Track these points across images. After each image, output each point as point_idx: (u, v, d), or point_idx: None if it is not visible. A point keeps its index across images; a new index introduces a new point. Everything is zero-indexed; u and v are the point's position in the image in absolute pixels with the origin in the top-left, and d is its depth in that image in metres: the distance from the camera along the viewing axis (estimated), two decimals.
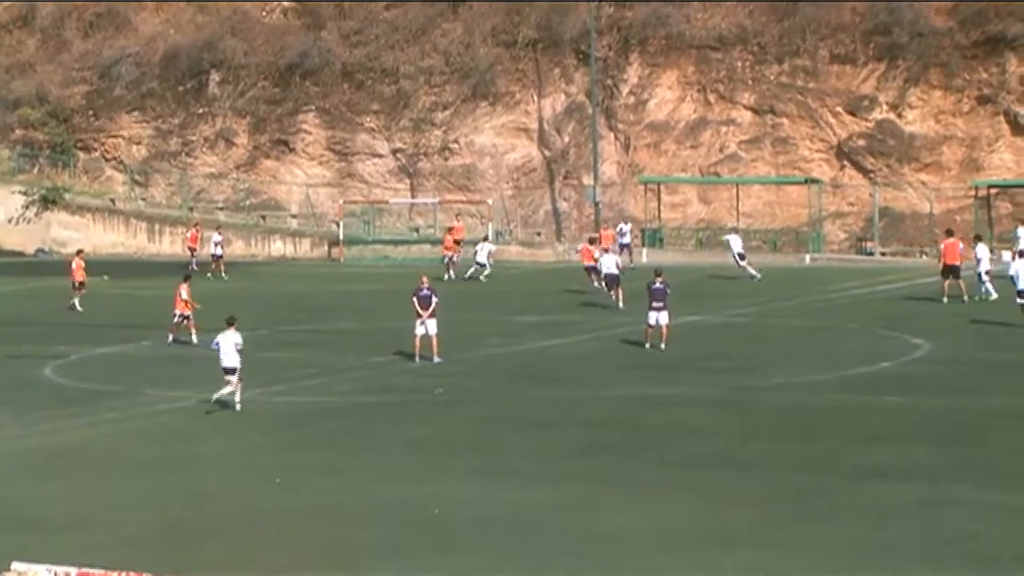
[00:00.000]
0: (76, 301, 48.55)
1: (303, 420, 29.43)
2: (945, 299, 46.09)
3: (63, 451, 26.85)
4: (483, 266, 58.13)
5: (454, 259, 59.17)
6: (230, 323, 31.00)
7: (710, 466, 24.39)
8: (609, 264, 47.46)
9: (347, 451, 26.25)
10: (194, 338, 39.30)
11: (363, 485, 23.40)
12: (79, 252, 52.20)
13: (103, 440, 27.90)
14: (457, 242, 60.52)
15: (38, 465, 25.57)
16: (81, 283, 49.47)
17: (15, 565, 11.72)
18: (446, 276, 56.60)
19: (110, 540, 20.08)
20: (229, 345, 30.50)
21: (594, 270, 49.89)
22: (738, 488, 22.72)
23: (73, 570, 11.60)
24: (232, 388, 30.37)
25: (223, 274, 59.53)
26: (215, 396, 30.18)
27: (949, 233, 49.70)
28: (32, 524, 21.08)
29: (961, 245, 47.95)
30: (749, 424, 27.96)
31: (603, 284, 47.84)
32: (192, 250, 61.55)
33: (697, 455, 25.27)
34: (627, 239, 62.42)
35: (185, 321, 40.15)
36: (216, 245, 61.50)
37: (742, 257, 55.86)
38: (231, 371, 30.40)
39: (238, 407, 30.23)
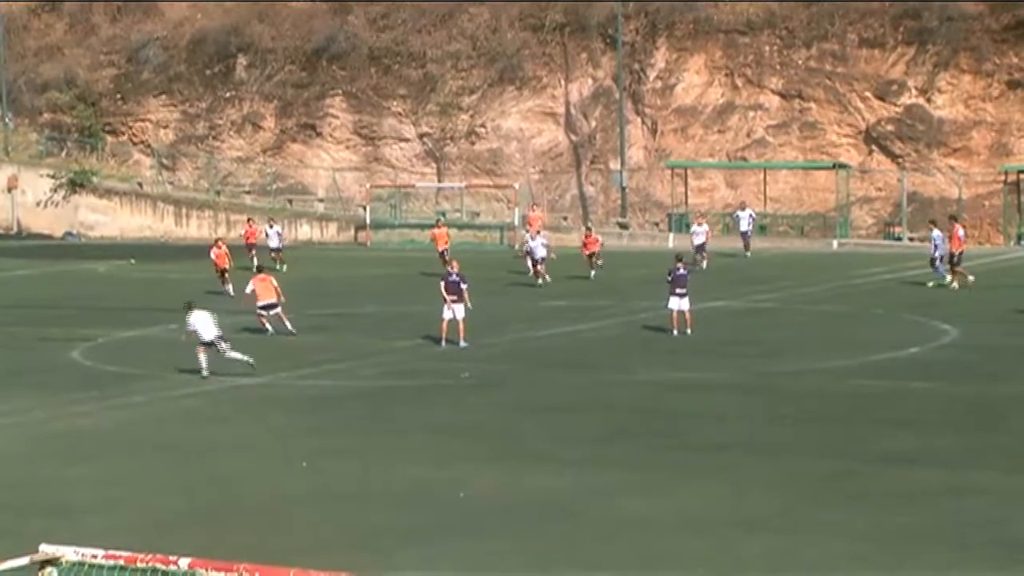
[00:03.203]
0: (229, 288, 47.61)
1: (328, 404, 29.47)
2: (955, 284, 46.26)
3: (90, 434, 26.96)
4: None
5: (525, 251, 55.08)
6: (191, 306, 31.97)
7: (735, 451, 24.34)
8: (537, 247, 51.12)
9: (372, 435, 26.28)
10: (288, 325, 38.87)
11: (388, 469, 23.43)
12: (217, 241, 51.17)
13: (130, 423, 28.00)
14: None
15: (65, 448, 25.68)
16: (224, 271, 48.65)
17: (43, 547, 11.73)
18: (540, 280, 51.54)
19: (137, 523, 20.14)
20: (205, 322, 31.43)
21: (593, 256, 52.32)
22: (763, 473, 22.67)
23: (100, 552, 11.60)
24: (232, 351, 31.65)
25: (281, 265, 57.18)
26: (239, 356, 31.62)
27: (952, 219, 49.80)
28: (59, 507, 21.17)
29: (962, 231, 48.02)
30: (774, 409, 27.89)
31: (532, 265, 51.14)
32: (251, 247, 56.91)
33: (722, 440, 25.23)
34: (745, 226, 61.01)
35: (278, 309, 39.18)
36: (277, 237, 58.91)
37: (701, 248, 55.17)
38: (220, 339, 31.50)
39: (251, 361, 31.79)
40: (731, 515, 20.25)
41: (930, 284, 47.04)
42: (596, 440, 25.46)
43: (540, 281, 50.40)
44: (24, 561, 11.63)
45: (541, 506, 20.89)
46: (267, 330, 38.80)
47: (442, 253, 53.77)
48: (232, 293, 47.23)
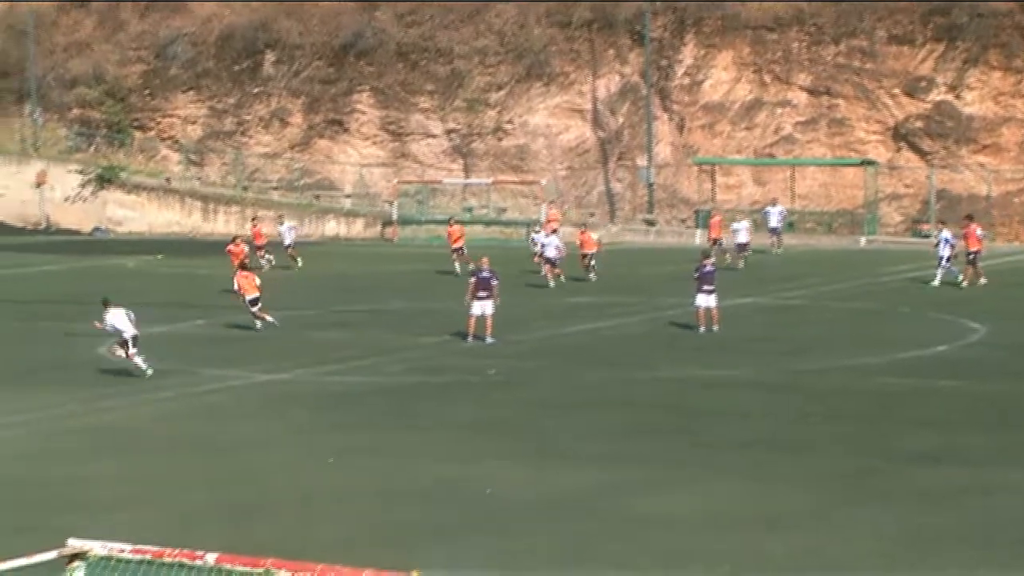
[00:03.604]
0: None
1: (353, 400, 29.51)
2: (965, 283, 46.13)
3: (116, 430, 27.05)
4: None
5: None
6: (107, 303, 32.10)
7: (760, 449, 24.30)
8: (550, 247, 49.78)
9: (397, 431, 26.30)
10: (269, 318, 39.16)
11: (413, 465, 23.44)
12: (235, 238, 51.17)
13: (156, 419, 28.09)
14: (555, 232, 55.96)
15: (91, 444, 25.77)
16: (244, 264, 48.27)
17: (71, 542, 11.78)
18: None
19: (163, 518, 20.21)
20: (123, 320, 31.63)
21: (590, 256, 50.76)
22: (788, 471, 22.63)
23: (127, 547, 11.64)
24: (138, 356, 31.77)
25: (295, 261, 56.86)
26: (141, 363, 31.82)
27: (969, 218, 49.61)
28: (86, 502, 21.25)
29: (980, 231, 47.88)
30: (800, 407, 27.83)
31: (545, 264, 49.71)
32: (259, 247, 55.40)
33: (747, 438, 25.18)
34: (775, 222, 60.80)
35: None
36: (290, 233, 58.14)
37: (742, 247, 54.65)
38: (135, 339, 31.63)
39: (150, 372, 31.72)
40: (756, 513, 20.22)
41: (934, 283, 46.79)
42: (621, 437, 25.44)
43: (552, 282, 48.71)
44: (52, 555, 11.68)
45: (566, 503, 20.89)
46: (257, 326, 38.91)
47: (456, 250, 53.66)
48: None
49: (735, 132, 72.19)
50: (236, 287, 39.51)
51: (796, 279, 49.74)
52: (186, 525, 19.62)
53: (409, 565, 11.02)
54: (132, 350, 31.79)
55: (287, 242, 57.24)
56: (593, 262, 50.54)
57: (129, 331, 31.75)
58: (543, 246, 50.04)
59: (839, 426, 26.03)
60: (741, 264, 53.34)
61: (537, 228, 55.77)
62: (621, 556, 18.30)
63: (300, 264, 55.34)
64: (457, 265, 53.03)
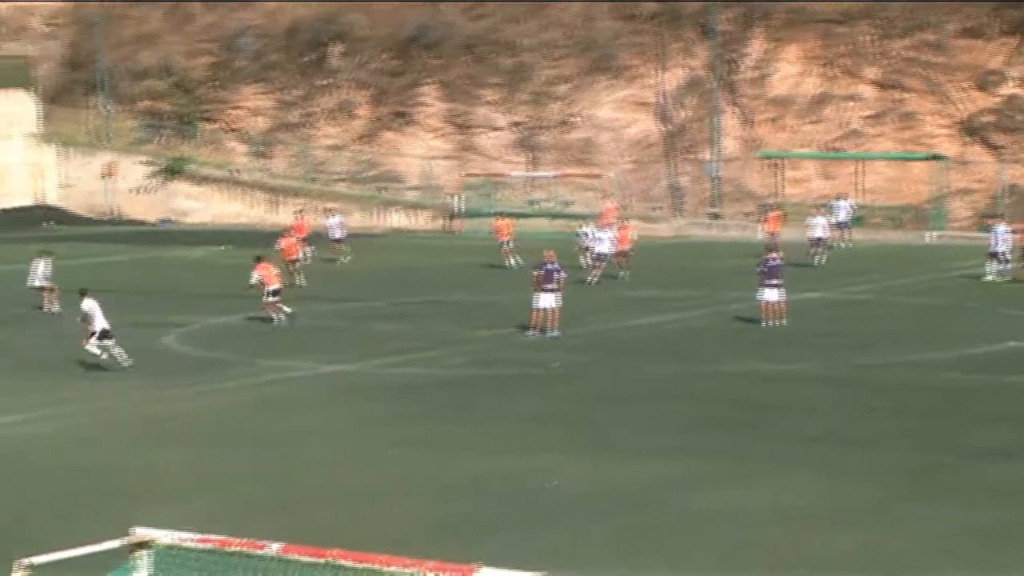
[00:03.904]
0: (300, 279, 47.68)
1: (414, 392, 29.54)
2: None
3: (181, 419, 27.22)
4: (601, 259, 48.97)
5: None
6: (84, 293, 32.34)
7: (825, 443, 24.12)
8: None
9: (457, 424, 26.30)
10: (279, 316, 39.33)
11: (473, 458, 23.44)
12: (288, 230, 51.24)
13: (219, 409, 28.24)
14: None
15: (157, 433, 25.95)
16: (294, 260, 48.54)
17: (136, 531, 11.84)
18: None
19: (225, 507, 20.31)
20: (98, 311, 31.82)
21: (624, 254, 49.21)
22: (854, 466, 22.44)
23: (192, 536, 11.69)
24: (115, 348, 31.86)
25: (345, 257, 56.84)
26: (121, 355, 31.81)
27: None
28: (150, 491, 21.39)
29: None
30: (866, 402, 27.61)
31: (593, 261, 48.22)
32: (302, 240, 53.87)
33: (812, 432, 25.00)
34: (843, 216, 59.97)
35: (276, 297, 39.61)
36: (339, 227, 57.95)
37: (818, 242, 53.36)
38: (107, 333, 31.70)
39: (127, 364, 31.72)
40: (821, 508, 20.07)
41: (988, 278, 46.28)
42: (683, 431, 25.33)
43: (590, 279, 46.85)
44: (117, 544, 11.74)
45: (627, 497, 20.81)
46: (275, 319, 38.97)
47: (503, 244, 53.50)
48: (303, 283, 47.26)
49: (802, 126, 71.70)
50: (255, 280, 39.41)
51: (863, 274, 49.34)
52: (247, 514, 19.71)
53: (468, 558, 10.98)
54: (108, 342, 31.73)
55: (335, 236, 57.20)
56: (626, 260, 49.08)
57: (100, 324, 31.74)
58: (597, 240, 48.75)
59: (906, 421, 25.80)
60: (817, 260, 52.33)
61: (587, 222, 55.07)
62: (682, 551, 18.21)
63: (345, 260, 55.22)
64: (511, 259, 52.93)
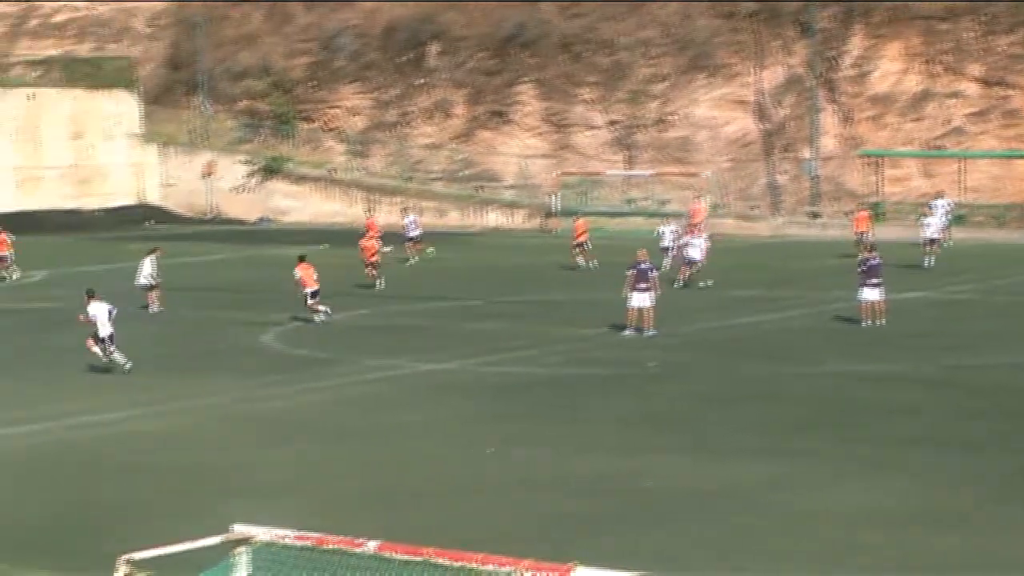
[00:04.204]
0: (380, 281, 47.30)
1: (512, 391, 29.56)
2: None
3: (281, 417, 27.44)
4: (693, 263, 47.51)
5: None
6: (91, 295, 32.05)
7: (924, 445, 23.85)
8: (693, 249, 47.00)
9: (557, 422, 26.29)
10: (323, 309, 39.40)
11: (572, 457, 23.42)
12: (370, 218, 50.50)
13: (318, 407, 28.43)
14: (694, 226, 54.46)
15: (257, 430, 26.18)
16: (373, 262, 47.85)
17: (235, 528, 11.97)
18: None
19: (323, 505, 20.44)
20: (104, 315, 31.52)
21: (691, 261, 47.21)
22: (953, 468, 22.17)
23: (290, 533, 11.78)
24: (116, 352, 31.64)
25: (415, 256, 56.30)
26: (120, 359, 31.59)
27: None
28: (250, 487, 21.59)
29: None
30: (967, 403, 27.26)
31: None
32: (379, 238, 51.98)
33: (911, 434, 24.73)
34: (940, 215, 59.18)
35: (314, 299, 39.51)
36: (413, 225, 57.57)
37: (932, 242, 52.13)
38: (112, 338, 31.46)
39: (128, 366, 31.46)
40: (918, 510, 19.85)
41: None
42: (782, 431, 25.15)
43: (679, 283, 45.67)
44: (217, 540, 11.87)
45: (726, 497, 20.70)
46: (317, 319, 39.01)
47: (579, 245, 52.94)
48: (382, 285, 46.77)
49: (903, 124, 70.93)
50: (298, 276, 39.47)
51: (965, 273, 48.72)
52: (346, 511, 19.82)
53: (566, 557, 10.96)
54: (110, 347, 31.62)
55: (410, 234, 56.83)
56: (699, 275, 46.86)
57: (105, 329, 31.46)
58: (690, 245, 47.28)
59: (1008, 423, 25.44)
60: (928, 261, 51.47)
61: (667, 221, 54.04)
62: (781, 552, 18.07)
63: (414, 260, 54.59)
64: (580, 259, 52.46)
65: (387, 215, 74.69)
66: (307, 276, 39.50)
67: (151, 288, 42.17)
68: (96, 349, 31.72)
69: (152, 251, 43.29)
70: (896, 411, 26.72)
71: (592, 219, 70.18)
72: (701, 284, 46.01)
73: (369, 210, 60.99)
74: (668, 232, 50.85)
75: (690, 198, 66.10)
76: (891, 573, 17.26)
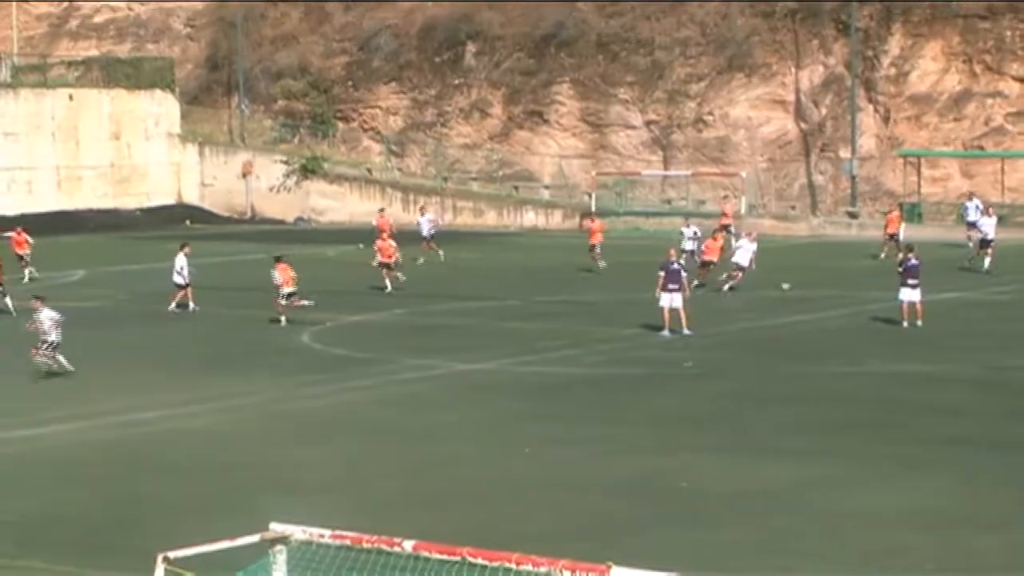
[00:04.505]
0: (388, 283, 45.98)
1: (551, 391, 29.52)
2: None
3: (319, 416, 27.47)
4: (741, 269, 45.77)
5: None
6: (40, 299, 31.83)
7: (967, 446, 23.70)
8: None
9: (594, 422, 26.23)
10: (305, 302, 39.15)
11: (610, 457, 23.37)
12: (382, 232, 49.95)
13: (355, 406, 28.45)
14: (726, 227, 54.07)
15: (296, 429, 26.22)
16: (389, 264, 46.31)
17: (273, 526, 11.98)
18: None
19: (361, 504, 20.45)
20: (50, 321, 31.17)
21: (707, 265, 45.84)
22: (996, 470, 22.02)
23: (327, 532, 11.78)
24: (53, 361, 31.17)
25: (438, 253, 55.32)
26: (65, 363, 31.14)
27: None
28: (288, 486, 21.61)
29: None
30: (1009, 404, 27.06)
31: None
32: (391, 236, 50.72)
33: (953, 434, 24.57)
34: (973, 216, 58.23)
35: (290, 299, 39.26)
36: (429, 224, 56.90)
37: (985, 243, 50.55)
38: (57, 346, 31.05)
39: (71, 369, 31.08)
40: (961, 511, 19.72)
41: None
42: (821, 431, 25.03)
43: (728, 286, 44.22)
44: (255, 539, 11.87)
45: (764, 497, 20.61)
46: (283, 321, 38.75)
47: (593, 247, 51.93)
48: (391, 288, 45.55)
49: (942, 124, 70.56)
50: (279, 279, 39.15)
51: (1004, 274, 48.37)
52: (384, 511, 19.81)
53: (604, 557, 10.91)
54: (52, 353, 31.20)
55: (424, 233, 56.09)
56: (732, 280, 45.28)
57: (52, 336, 31.05)
58: (737, 248, 45.68)
59: None
60: (988, 263, 49.46)
61: (688, 222, 52.82)
62: (820, 552, 17.98)
63: (419, 261, 53.21)
64: (601, 262, 51.40)
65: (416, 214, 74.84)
66: (285, 276, 39.37)
67: (186, 286, 41.94)
68: (39, 357, 31.21)
69: (183, 246, 42.94)
70: (937, 411, 26.57)
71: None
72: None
73: (382, 209, 59.83)
74: (688, 234, 50.17)
75: (722, 197, 65.76)
76: (931, 574, 17.14)
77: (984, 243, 50.88)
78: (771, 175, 72.57)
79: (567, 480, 21.91)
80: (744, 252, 45.51)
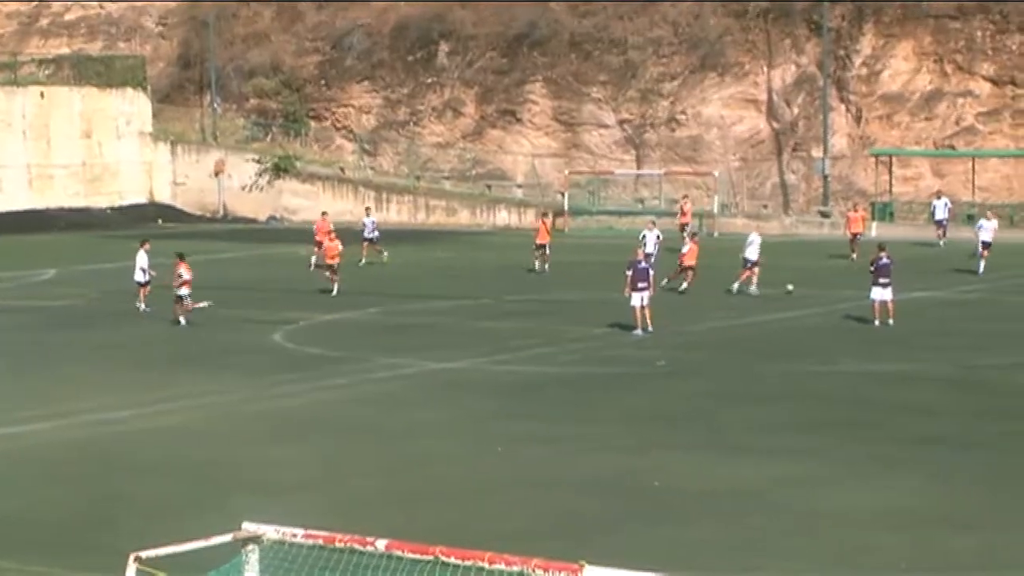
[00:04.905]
0: (336, 287, 45.30)
1: (524, 390, 29.51)
2: None
3: (292, 415, 27.41)
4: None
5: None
6: None
7: (941, 445, 23.77)
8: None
9: (567, 421, 26.23)
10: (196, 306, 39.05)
11: (583, 455, 23.37)
12: (330, 232, 48.73)
13: (329, 405, 28.39)
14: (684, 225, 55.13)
15: (268, 428, 26.14)
16: (331, 265, 45.78)
17: (245, 525, 11.94)
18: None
19: (335, 503, 20.41)
20: None
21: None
22: (970, 469, 22.09)
23: (300, 531, 11.75)
24: None
25: (382, 254, 54.37)
26: None
27: None
28: (261, 486, 21.54)
29: None
30: (981, 403, 27.17)
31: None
32: (319, 244, 50.76)
33: (927, 433, 24.64)
34: (941, 214, 59.05)
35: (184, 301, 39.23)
36: (372, 226, 55.42)
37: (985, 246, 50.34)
38: None
39: None
40: (934, 511, 19.77)
41: None
42: (795, 430, 25.08)
43: (756, 288, 43.76)
44: (227, 538, 11.83)
45: (737, 496, 20.63)
46: (181, 321, 38.72)
47: (541, 247, 51.31)
48: (335, 292, 44.46)
49: (914, 123, 70.83)
50: (187, 276, 39.08)
51: (973, 272, 48.56)
52: (357, 510, 19.77)
53: (576, 555, 10.90)
54: None
55: (365, 234, 54.94)
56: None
57: None
58: (749, 245, 44.45)
59: (1018, 424, 25.32)
60: (981, 265, 49.19)
61: (651, 224, 51.84)
62: (793, 551, 18.01)
63: (361, 263, 52.63)
64: (537, 263, 51.02)
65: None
66: (186, 274, 39.12)
67: (146, 283, 41.49)
68: None
69: (143, 243, 42.53)
70: (911, 410, 26.64)
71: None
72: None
73: (325, 212, 58.23)
74: (652, 237, 48.88)
75: (682, 197, 65.62)
76: (905, 573, 17.18)
77: (985, 245, 50.75)
78: (743, 174, 72.73)
79: (540, 479, 21.90)
80: (753, 247, 44.52)
